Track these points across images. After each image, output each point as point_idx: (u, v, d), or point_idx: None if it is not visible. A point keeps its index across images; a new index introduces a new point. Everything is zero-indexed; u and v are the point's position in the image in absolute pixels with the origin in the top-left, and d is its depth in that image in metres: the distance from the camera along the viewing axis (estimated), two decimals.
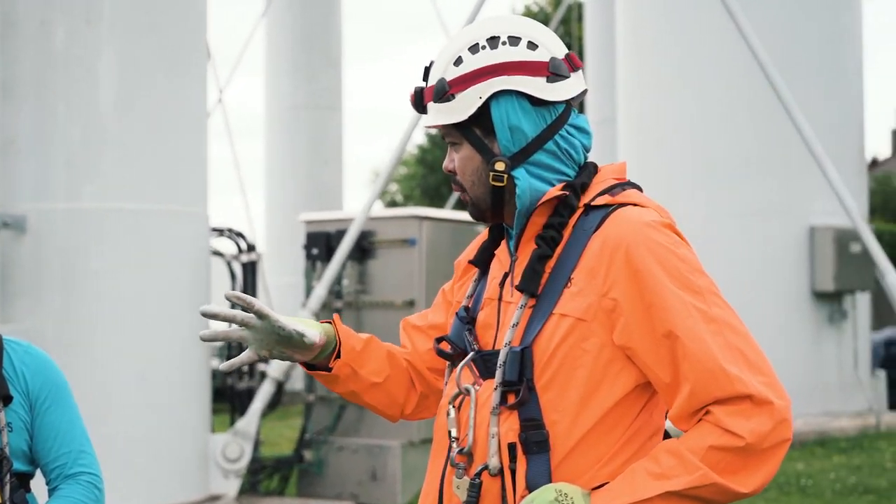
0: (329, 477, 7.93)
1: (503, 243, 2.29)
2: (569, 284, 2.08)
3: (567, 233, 2.14)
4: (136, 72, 7.02)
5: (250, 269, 8.04)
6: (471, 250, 2.39)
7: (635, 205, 2.14)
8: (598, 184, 2.18)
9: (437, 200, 22.17)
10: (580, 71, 2.21)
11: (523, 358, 2.08)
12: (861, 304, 12.32)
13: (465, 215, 8.13)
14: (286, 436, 11.10)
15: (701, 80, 11.77)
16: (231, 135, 10.25)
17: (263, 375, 7.87)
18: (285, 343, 2.27)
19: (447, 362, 2.31)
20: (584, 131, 2.21)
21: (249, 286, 8.04)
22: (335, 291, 7.79)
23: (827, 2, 11.98)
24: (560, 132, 2.18)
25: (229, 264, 8.05)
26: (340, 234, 7.79)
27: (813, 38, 11.76)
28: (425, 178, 25.98)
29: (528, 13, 28.01)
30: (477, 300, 2.29)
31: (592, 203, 2.14)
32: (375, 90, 65.51)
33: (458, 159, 2.21)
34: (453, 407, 2.19)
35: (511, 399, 2.09)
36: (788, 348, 11.48)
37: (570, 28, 22.29)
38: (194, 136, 7.33)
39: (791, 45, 11.40)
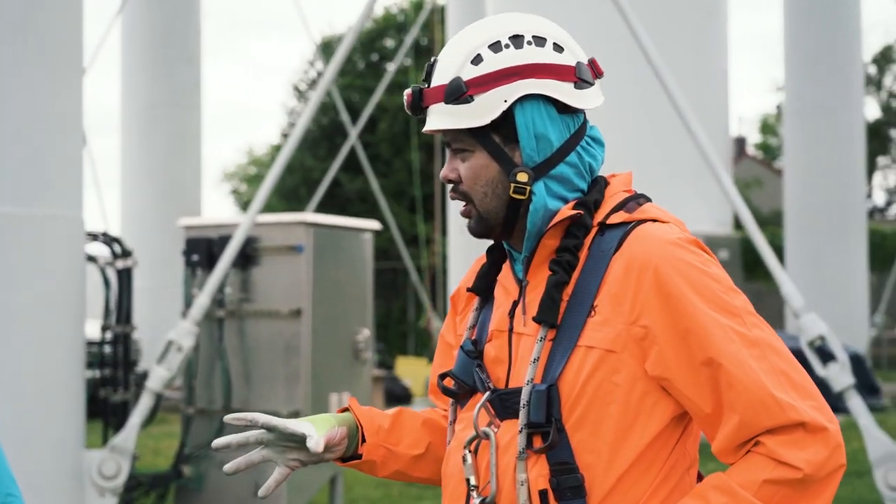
0: (209, 493, 7.61)
1: (505, 268, 2.09)
2: (592, 313, 1.93)
3: (582, 255, 1.97)
4: (6, 69, 6.61)
5: (126, 276, 7.67)
6: (468, 278, 2.19)
7: (654, 220, 1.97)
8: (609, 198, 2.01)
9: (296, 203, 21.86)
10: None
11: (549, 396, 1.91)
12: None
13: (355, 222, 7.91)
14: (159, 449, 10.71)
15: None
16: (85, 133, 9.81)
17: (140, 387, 7.51)
18: (305, 448, 2.06)
19: (451, 403, 2.12)
20: (600, 143, 2.05)
21: (125, 293, 7.66)
22: (217, 300, 7.48)
23: (696, 13, 12.10)
24: (581, 143, 2.02)
25: (103, 270, 7.66)
26: (223, 240, 7.48)
27: (681, 49, 11.87)
28: (283, 180, 25.58)
29: (389, 15, 27.84)
30: (481, 332, 2.09)
31: (608, 221, 1.98)
32: (227, 87, 64.49)
33: (466, 168, 2.01)
34: (469, 451, 1.99)
35: (537, 442, 1.92)
36: None
37: (431, 32, 22.21)
38: (68, 136, 6.94)
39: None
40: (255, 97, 66.11)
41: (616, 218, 1.98)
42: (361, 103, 23.01)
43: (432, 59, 2.06)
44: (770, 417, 1.82)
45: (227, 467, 2.06)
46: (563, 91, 1.98)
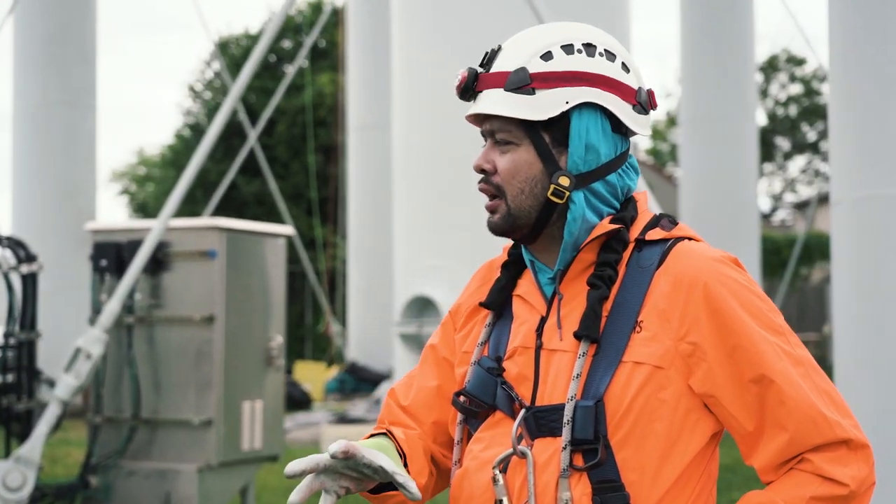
0: None
1: (526, 283, 2.05)
2: (637, 329, 1.91)
3: (620, 270, 1.95)
4: None
5: (30, 281, 7.46)
6: (472, 291, 2.14)
7: (690, 238, 1.98)
8: (641, 215, 2.02)
9: (191, 205, 21.53)
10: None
11: (597, 412, 1.87)
12: None
13: (268, 227, 7.80)
14: (56, 457, 10.45)
15: None
16: None
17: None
18: (366, 479, 1.93)
19: (456, 426, 2.06)
20: (637, 171, 2.03)
21: (30, 299, 7.44)
22: (126, 306, 7.32)
23: (599, 20, 12.23)
24: (623, 166, 2.00)
25: (6, 276, 7.44)
26: (132, 245, 7.33)
27: None
28: (178, 183, 25.24)
29: (286, 17, 27.56)
30: (496, 348, 2.04)
31: (646, 237, 1.97)
32: (121, 86, 63.33)
33: (507, 160, 1.97)
34: (499, 471, 1.93)
35: (578, 460, 1.88)
36: None
37: (330, 34, 22.10)
38: None
39: None
40: (149, 97, 65.01)
41: (654, 234, 1.97)
42: (259, 105, 22.80)
43: (497, 46, 2.01)
44: (819, 435, 1.85)
45: (293, 499, 1.87)
46: (622, 109, 1.96)
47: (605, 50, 1.98)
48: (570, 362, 1.93)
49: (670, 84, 29.30)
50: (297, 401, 15.52)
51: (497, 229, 2.00)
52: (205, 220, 7.50)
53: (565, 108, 1.93)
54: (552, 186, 1.94)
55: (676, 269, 1.92)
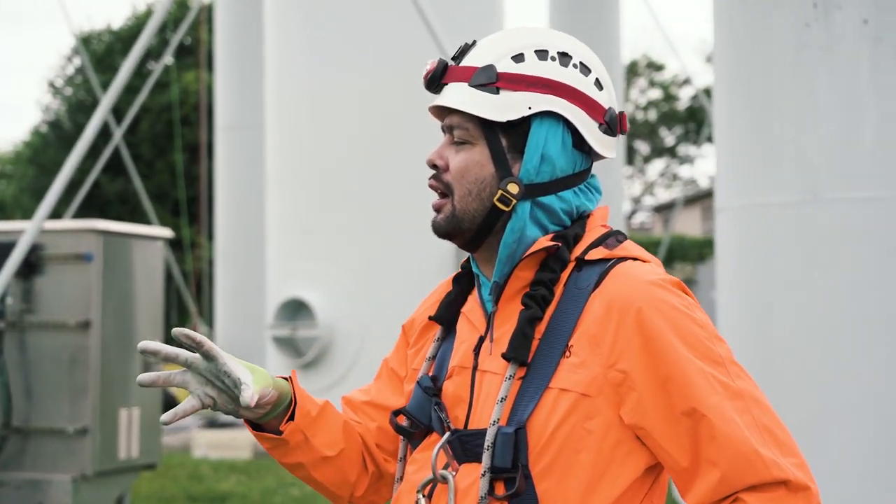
0: None
1: (472, 300, 1.97)
2: (567, 353, 1.81)
3: (558, 290, 1.86)
4: None
5: None
6: (429, 305, 2.06)
7: (634, 258, 1.88)
8: (588, 233, 1.92)
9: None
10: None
11: (517, 440, 1.78)
12: None
13: (146, 229, 7.61)
14: None
15: (360, 94, 11.72)
16: None
17: None
18: (228, 392, 1.89)
19: (399, 441, 1.99)
20: (598, 192, 1.95)
21: None
22: None
23: (475, 20, 12.26)
24: (581, 185, 1.92)
25: None
26: (3, 248, 7.06)
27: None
28: (38, 181, 24.46)
29: (151, 13, 27.00)
30: (440, 367, 1.96)
31: (586, 257, 1.87)
32: None
33: (460, 159, 1.89)
34: (423, 496, 1.87)
35: (500, 488, 1.80)
36: None
37: (197, 31, 21.72)
38: None
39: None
40: (1, 93, 63.04)
41: (595, 254, 1.88)
42: (122, 102, 22.28)
43: (471, 40, 1.94)
44: (753, 474, 1.74)
45: (143, 377, 1.87)
46: (587, 126, 1.89)
47: (581, 62, 1.90)
48: (498, 385, 1.85)
49: None
50: (165, 403, 15.21)
51: (439, 230, 1.92)
52: (80, 223, 7.28)
53: (527, 112, 1.85)
54: (500, 192, 1.86)
55: (611, 292, 1.82)
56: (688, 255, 24.24)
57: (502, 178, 1.87)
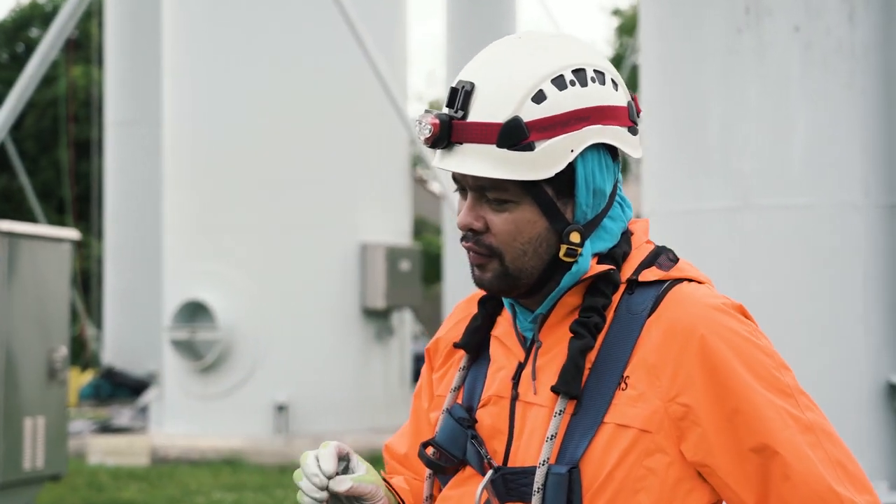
0: None
1: (504, 322, 1.82)
2: (623, 385, 1.67)
3: (609, 315, 1.71)
4: None
5: None
6: (452, 326, 1.91)
7: (690, 279, 1.73)
8: (636, 251, 1.77)
9: None
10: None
11: (570, 480, 1.65)
12: (406, 320, 12.62)
13: (52, 230, 7.33)
14: None
15: (259, 91, 11.50)
16: None
17: None
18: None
19: (426, 475, 1.85)
20: (628, 204, 1.80)
21: None
22: None
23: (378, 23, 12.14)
24: (618, 196, 1.77)
25: None
26: None
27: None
28: None
29: (35, 4, 26.27)
30: (470, 395, 1.81)
31: (640, 278, 1.73)
32: None
33: (505, 220, 1.69)
34: None
35: None
36: (337, 365, 11.52)
37: (85, 25, 21.18)
38: None
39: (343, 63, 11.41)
40: None
41: (649, 275, 1.73)
42: (4, 96, 21.63)
43: (468, 83, 1.69)
44: None
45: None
46: (623, 138, 1.72)
47: (595, 71, 1.71)
48: (545, 419, 1.70)
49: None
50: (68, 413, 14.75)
51: (491, 288, 1.73)
52: None
53: (571, 157, 1.67)
54: (564, 247, 1.69)
55: (670, 318, 1.68)
56: None
57: (560, 230, 1.70)
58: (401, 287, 11.95)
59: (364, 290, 11.77)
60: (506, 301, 1.81)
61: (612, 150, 1.73)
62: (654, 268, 1.74)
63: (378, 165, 11.96)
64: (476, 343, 1.84)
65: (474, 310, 1.88)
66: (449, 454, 1.79)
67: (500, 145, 1.64)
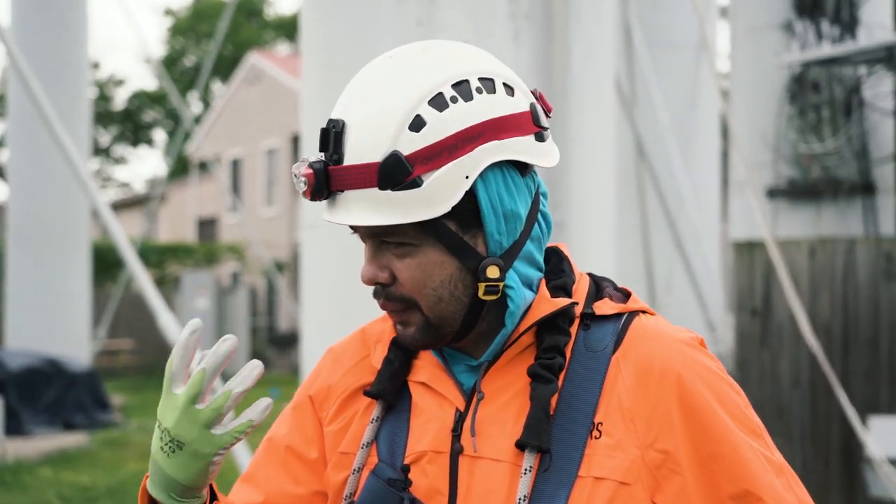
0: None
1: (429, 365, 1.62)
2: (596, 433, 1.49)
3: (566, 355, 1.54)
4: None
5: None
6: (349, 372, 1.68)
7: (642, 311, 1.59)
8: (578, 281, 1.61)
9: None
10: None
11: None
12: None
13: None
14: None
15: None
16: None
17: None
18: None
19: None
20: (545, 196, 1.60)
21: None
22: None
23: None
24: (540, 207, 1.57)
25: None
26: None
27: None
28: None
29: None
30: (391, 451, 1.58)
31: (597, 312, 1.57)
32: None
33: (410, 267, 1.50)
34: None
35: None
36: None
37: None
38: None
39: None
40: None
41: (605, 308, 1.57)
42: None
43: (338, 122, 1.47)
44: None
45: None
46: (527, 149, 1.50)
47: (480, 79, 1.49)
48: (504, 477, 1.51)
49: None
50: None
51: (418, 345, 1.54)
52: None
53: (467, 185, 1.46)
54: (482, 285, 1.50)
55: (640, 356, 1.52)
56: (150, 260, 23.79)
57: (474, 268, 1.50)
58: None
59: None
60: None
61: (520, 165, 1.52)
62: (606, 300, 1.59)
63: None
64: (393, 391, 1.61)
65: (373, 350, 1.66)
66: None
67: (382, 187, 1.45)
